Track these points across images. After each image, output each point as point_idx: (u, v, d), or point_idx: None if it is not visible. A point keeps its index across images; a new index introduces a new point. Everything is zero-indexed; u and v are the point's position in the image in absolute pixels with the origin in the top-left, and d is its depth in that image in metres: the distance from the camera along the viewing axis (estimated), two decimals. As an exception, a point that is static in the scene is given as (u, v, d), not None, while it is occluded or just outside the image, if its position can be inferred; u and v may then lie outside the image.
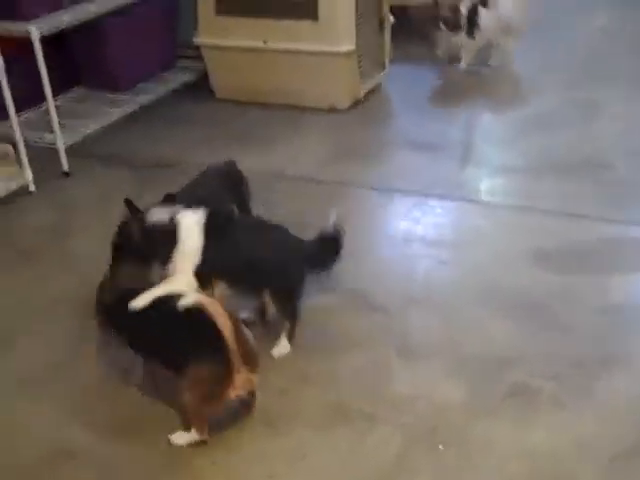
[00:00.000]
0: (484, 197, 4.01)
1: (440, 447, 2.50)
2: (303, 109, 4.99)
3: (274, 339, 2.96)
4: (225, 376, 2.43)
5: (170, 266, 2.82)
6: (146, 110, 5.01)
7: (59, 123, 4.37)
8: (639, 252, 3.51)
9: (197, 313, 2.49)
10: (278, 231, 2.99)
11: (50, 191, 4.25)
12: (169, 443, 2.55)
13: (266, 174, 4.13)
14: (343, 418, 2.66)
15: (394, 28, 5.36)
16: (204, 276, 2.83)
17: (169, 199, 3.00)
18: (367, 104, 5.10)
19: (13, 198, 4.12)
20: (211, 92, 5.30)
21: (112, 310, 2.68)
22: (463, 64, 5.57)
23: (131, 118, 4.91)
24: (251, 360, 2.51)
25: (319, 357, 2.94)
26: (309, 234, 3.52)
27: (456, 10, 5.42)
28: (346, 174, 4.26)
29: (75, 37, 4.90)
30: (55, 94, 4.39)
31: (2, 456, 2.57)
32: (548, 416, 2.61)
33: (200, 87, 5.33)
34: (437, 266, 3.46)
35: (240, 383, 2.47)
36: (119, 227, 2.92)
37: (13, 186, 4.13)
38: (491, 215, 3.83)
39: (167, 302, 2.56)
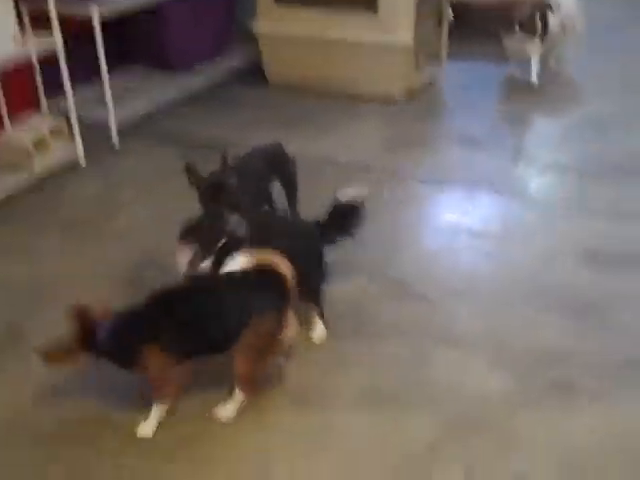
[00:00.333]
0: (534, 194, 3.94)
1: (477, 438, 2.44)
2: (357, 99, 4.96)
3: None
4: (280, 328, 2.46)
5: None
6: (199, 92, 5.03)
7: (112, 101, 4.40)
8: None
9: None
10: (288, 222, 2.98)
11: (100, 166, 4.29)
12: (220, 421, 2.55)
13: (316, 159, 4.12)
14: (379, 403, 2.62)
15: (453, 24, 5.31)
16: None
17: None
18: (421, 97, 5.06)
19: (64, 171, 4.16)
20: (264, 78, 5.30)
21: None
22: (534, 67, 5.32)
23: (184, 99, 4.94)
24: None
25: (359, 342, 2.91)
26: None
27: (533, 14, 5.28)
28: (396, 164, 4.22)
29: (134, 17, 4.93)
30: (111, 72, 4.42)
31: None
32: (589, 413, 2.54)
33: (254, 72, 5.34)
34: (483, 259, 3.40)
35: (285, 340, 2.50)
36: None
37: (65, 159, 4.18)
38: (541, 212, 3.76)
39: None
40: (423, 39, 5.00)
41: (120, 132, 4.44)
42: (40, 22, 4.12)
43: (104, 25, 4.21)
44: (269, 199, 3.46)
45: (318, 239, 2.92)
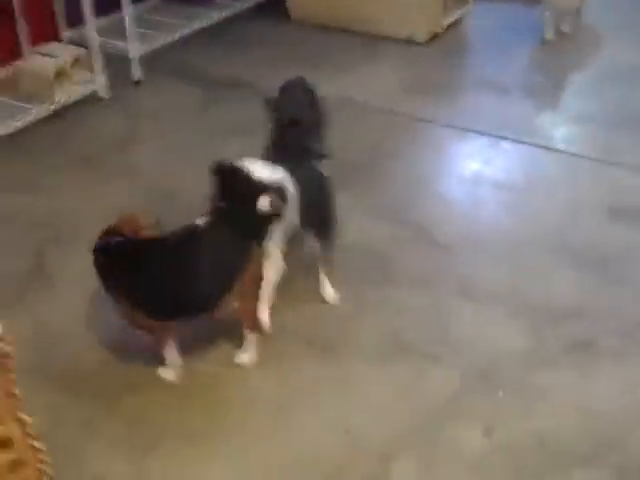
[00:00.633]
0: (559, 144, 3.89)
1: (500, 393, 2.47)
2: (380, 38, 4.85)
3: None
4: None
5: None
6: (220, 26, 4.94)
7: (135, 32, 4.33)
8: None
9: None
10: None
11: (120, 99, 4.24)
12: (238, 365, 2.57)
13: (335, 98, 4.03)
14: (398, 353, 2.64)
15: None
16: None
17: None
18: (446, 38, 4.95)
19: (84, 103, 4.12)
20: (286, 13, 5.19)
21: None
22: (570, 29, 4.97)
23: (205, 32, 4.84)
24: None
25: (377, 290, 2.91)
26: (376, 164, 3.49)
27: None
28: (417, 108, 4.16)
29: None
30: (133, 2, 4.34)
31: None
32: (609, 372, 2.56)
33: (276, 7, 5.22)
34: (505, 210, 3.39)
35: None
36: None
37: (85, 91, 4.14)
38: (565, 164, 3.72)
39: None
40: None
41: (141, 64, 4.37)
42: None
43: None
44: None
45: (328, 185, 2.82)
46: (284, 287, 2.83)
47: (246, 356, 2.58)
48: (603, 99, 4.30)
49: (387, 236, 3.19)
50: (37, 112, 3.92)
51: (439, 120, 4.06)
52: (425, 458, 2.29)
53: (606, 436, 2.34)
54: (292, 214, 2.60)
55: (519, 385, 2.51)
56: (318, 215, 2.78)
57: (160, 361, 2.54)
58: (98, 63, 4.13)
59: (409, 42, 4.84)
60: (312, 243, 2.82)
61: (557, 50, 4.90)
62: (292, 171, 2.64)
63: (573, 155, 3.77)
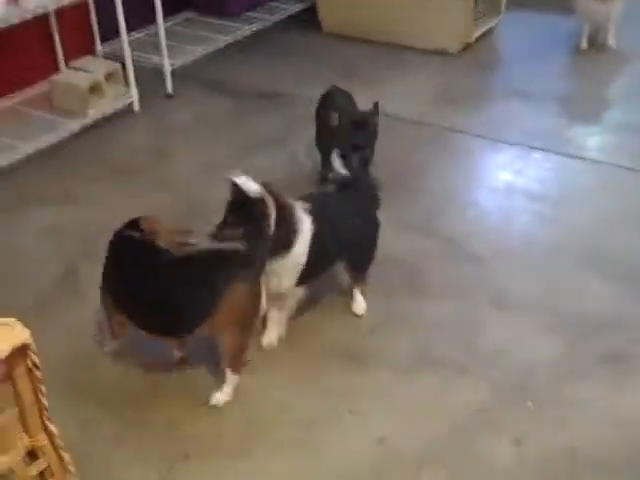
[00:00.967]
0: (592, 154, 3.85)
1: (529, 404, 2.44)
2: (411, 49, 4.86)
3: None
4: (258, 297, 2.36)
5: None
6: (252, 38, 4.98)
7: (167, 46, 4.37)
8: None
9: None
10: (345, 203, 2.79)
11: (153, 112, 4.28)
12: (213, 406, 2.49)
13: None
14: (429, 364, 2.62)
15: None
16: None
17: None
18: (477, 49, 4.94)
19: (117, 116, 4.17)
20: (318, 25, 5.21)
21: None
22: (612, 42, 4.93)
23: (237, 45, 4.89)
24: None
25: (409, 301, 2.90)
26: (409, 175, 3.48)
27: None
28: (449, 118, 4.15)
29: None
30: (165, 17, 4.38)
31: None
32: (642, 386, 2.52)
33: (307, 19, 5.25)
34: (538, 221, 3.35)
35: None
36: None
37: (119, 105, 4.19)
38: (598, 173, 3.68)
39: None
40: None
41: (174, 77, 4.42)
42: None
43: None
44: None
45: (373, 208, 2.83)
46: (314, 298, 2.86)
47: (222, 396, 2.48)
48: (636, 109, 4.24)
49: (418, 248, 3.18)
50: (72, 126, 3.97)
51: (470, 130, 4.04)
52: (456, 469, 2.28)
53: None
54: (303, 249, 2.54)
55: (551, 397, 2.48)
56: (353, 251, 2.77)
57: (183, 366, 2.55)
58: (131, 77, 4.18)
59: (440, 53, 4.84)
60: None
61: (591, 60, 4.86)
62: (326, 203, 2.68)
63: (607, 164, 3.72)
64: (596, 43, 4.96)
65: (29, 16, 3.64)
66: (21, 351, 1.77)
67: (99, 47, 4.66)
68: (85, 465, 2.08)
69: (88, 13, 4.52)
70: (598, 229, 3.26)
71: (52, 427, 1.93)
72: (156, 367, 2.63)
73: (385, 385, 2.55)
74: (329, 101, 3.49)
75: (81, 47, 4.51)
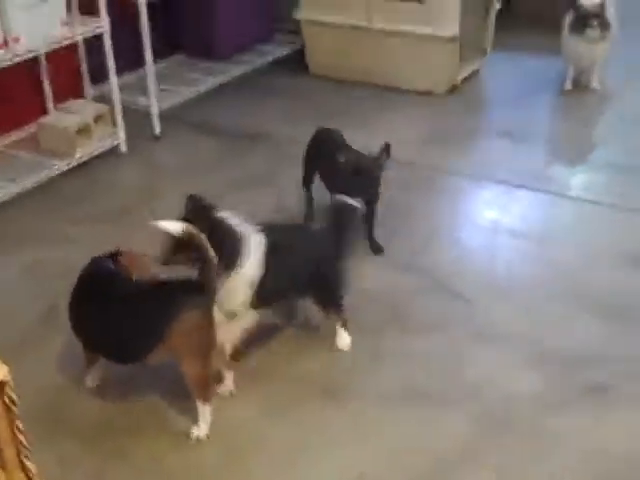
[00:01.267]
0: (574, 192, 3.88)
1: (511, 438, 2.43)
2: (399, 91, 4.92)
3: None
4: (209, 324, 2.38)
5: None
6: (240, 81, 5.05)
7: (155, 88, 4.43)
8: None
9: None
10: (305, 235, 2.91)
11: (140, 153, 4.32)
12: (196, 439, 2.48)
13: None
14: (412, 399, 2.61)
15: (500, 13, 5.23)
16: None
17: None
18: (463, 90, 5.00)
19: (105, 157, 4.20)
20: (306, 67, 5.28)
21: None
22: (596, 84, 4.96)
23: (225, 87, 4.95)
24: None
25: (392, 336, 2.90)
26: (394, 215, 3.51)
27: (602, 5, 4.61)
28: (436, 158, 4.19)
29: (178, 5, 4.97)
30: (155, 60, 4.44)
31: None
32: (626, 417, 2.51)
33: (295, 62, 5.33)
34: (521, 258, 3.37)
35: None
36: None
37: (106, 146, 4.22)
38: (581, 211, 3.71)
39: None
40: (469, 30, 4.93)
41: (161, 119, 4.46)
42: (85, 6, 4.16)
43: (150, 11, 4.23)
44: None
45: (332, 245, 2.82)
46: (299, 333, 2.89)
47: (199, 431, 2.47)
48: (619, 147, 4.30)
49: (404, 285, 3.19)
50: (59, 167, 4.00)
51: (456, 170, 4.08)
52: (438, 505, 2.26)
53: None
54: (253, 266, 2.56)
55: (533, 429, 2.47)
56: (317, 283, 2.76)
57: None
58: (119, 119, 4.22)
59: (427, 94, 4.89)
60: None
61: (575, 101, 4.92)
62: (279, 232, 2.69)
63: (590, 202, 3.76)
64: (580, 84, 5.02)
65: (20, 59, 3.69)
66: (-2, 387, 1.76)
67: (89, 89, 4.71)
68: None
69: (78, 56, 4.58)
70: (581, 265, 3.28)
71: (30, 464, 1.91)
72: (136, 400, 2.62)
73: (366, 418, 2.54)
74: (323, 142, 3.52)
75: (70, 89, 4.54)
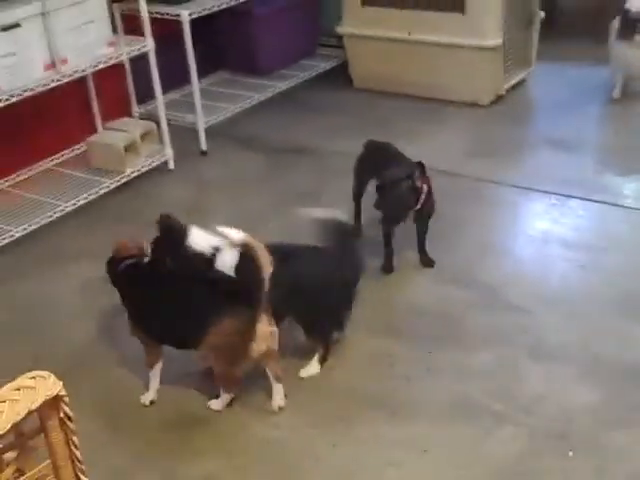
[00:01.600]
0: (628, 201, 3.80)
1: (570, 453, 2.37)
2: (443, 102, 4.89)
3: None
4: (250, 332, 2.44)
5: None
6: (284, 96, 5.06)
7: (201, 105, 4.46)
8: None
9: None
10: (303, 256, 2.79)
11: (187, 169, 4.35)
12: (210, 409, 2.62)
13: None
14: (468, 413, 2.57)
15: (544, 23, 5.18)
16: None
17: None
18: (509, 100, 4.95)
19: (153, 174, 4.24)
20: (349, 81, 5.28)
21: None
22: None
23: (270, 103, 4.97)
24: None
25: (447, 349, 2.87)
26: (444, 228, 3.48)
27: None
28: (483, 170, 4.14)
29: (221, 22, 5.00)
30: (200, 77, 4.49)
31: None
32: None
33: (339, 75, 5.32)
34: (575, 269, 3.30)
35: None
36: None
37: (154, 163, 4.25)
38: (634, 221, 3.63)
39: None
40: (512, 40, 4.90)
41: (207, 135, 4.49)
42: (130, 26, 4.21)
43: (194, 29, 4.28)
44: None
45: (332, 268, 2.73)
46: (352, 348, 2.86)
47: (217, 404, 2.63)
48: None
49: (456, 298, 3.15)
50: (109, 185, 4.04)
51: (505, 181, 4.02)
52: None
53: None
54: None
55: (592, 445, 2.41)
56: (304, 306, 2.69)
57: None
58: (166, 136, 4.26)
59: (471, 105, 4.86)
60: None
61: (624, 109, 4.82)
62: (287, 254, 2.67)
63: (644, 212, 3.68)
64: (629, 92, 4.94)
65: (67, 80, 3.74)
66: (53, 403, 1.77)
67: (135, 108, 4.77)
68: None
69: (124, 76, 4.64)
70: (635, 276, 3.21)
71: (85, 479, 1.91)
72: (192, 419, 2.62)
73: (420, 434, 2.50)
74: (377, 154, 3.51)
75: (118, 108, 4.61)
